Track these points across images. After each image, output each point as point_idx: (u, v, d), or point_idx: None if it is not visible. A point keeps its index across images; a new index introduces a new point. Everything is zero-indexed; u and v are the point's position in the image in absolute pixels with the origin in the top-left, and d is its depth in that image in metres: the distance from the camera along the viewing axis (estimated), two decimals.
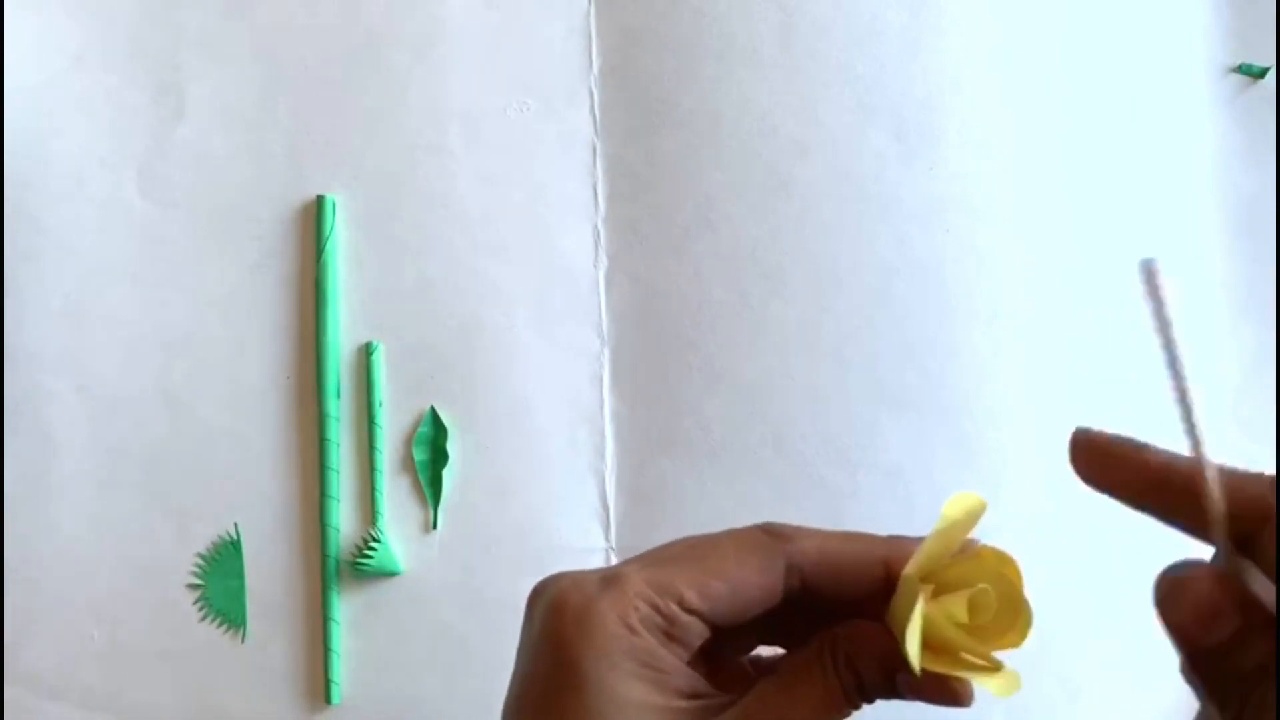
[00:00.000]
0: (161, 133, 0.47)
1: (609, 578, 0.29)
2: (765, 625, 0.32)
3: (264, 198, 0.47)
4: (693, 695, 0.28)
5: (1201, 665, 0.25)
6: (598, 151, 0.47)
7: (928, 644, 0.27)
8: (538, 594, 0.30)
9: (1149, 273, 0.27)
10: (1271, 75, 0.46)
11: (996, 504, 0.46)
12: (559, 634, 0.28)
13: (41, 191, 0.47)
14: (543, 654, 0.28)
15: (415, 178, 0.46)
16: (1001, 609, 0.28)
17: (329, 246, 0.46)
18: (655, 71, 0.46)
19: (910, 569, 0.28)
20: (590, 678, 0.27)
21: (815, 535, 0.30)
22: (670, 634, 0.28)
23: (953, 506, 0.28)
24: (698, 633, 0.29)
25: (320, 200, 0.46)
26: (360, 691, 0.45)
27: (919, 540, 0.29)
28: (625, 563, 0.30)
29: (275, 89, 0.47)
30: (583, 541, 0.45)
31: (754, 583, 0.29)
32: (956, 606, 0.28)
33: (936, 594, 0.28)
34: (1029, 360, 0.45)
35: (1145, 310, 0.27)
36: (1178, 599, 0.25)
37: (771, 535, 0.30)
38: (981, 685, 0.28)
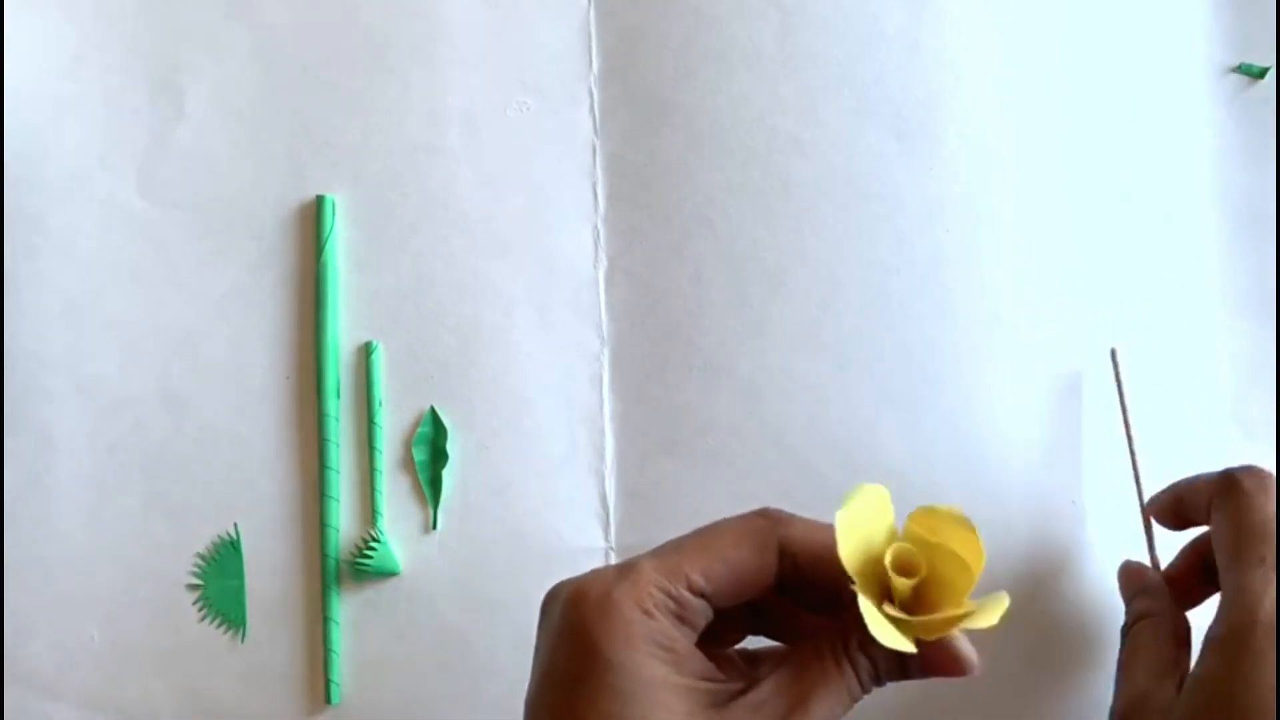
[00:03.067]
0: (161, 133, 0.47)
1: (624, 568, 0.31)
2: (755, 616, 0.34)
3: (264, 198, 0.47)
4: (705, 677, 0.30)
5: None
6: (598, 151, 0.47)
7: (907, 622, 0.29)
8: (554, 596, 0.32)
9: (1115, 359, 0.32)
10: (1271, 75, 0.46)
11: (996, 504, 0.47)
12: (580, 622, 0.30)
13: (41, 191, 0.47)
14: (565, 643, 0.30)
15: (415, 178, 0.46)
16: (939, 557, 0.29)
17: (329, 246, 0.46)
18: (655, 71, 0.46)
19: (848, 569, 0.29)
20: (614, 660, 0.29)
21: (807, 522, 0.32)
22: (680, 616, 0.30)
23: (843, 508, 0.30)
24: (703, 614, 0.31)
25: (320, 200, 0.46)
26: (360, 691, 0.45)
27: None
28: (638, 556, 0.32)
29: (275, 89, 0.47)
30: (583, 541, 0.45)
31: (751, 563, 0.31)
32: (894, 580, 0.29)
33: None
34: (1029, 360, 0.45)
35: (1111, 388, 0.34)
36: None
37: (767, 519, 0.32)
38: (973, 627, 0.29)
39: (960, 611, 0.29)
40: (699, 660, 0.30)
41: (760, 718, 0.29)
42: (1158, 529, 0.42)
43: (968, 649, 0.31)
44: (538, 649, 0.32)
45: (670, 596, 0.30)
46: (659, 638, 0.30)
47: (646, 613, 0.30)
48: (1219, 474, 0.37)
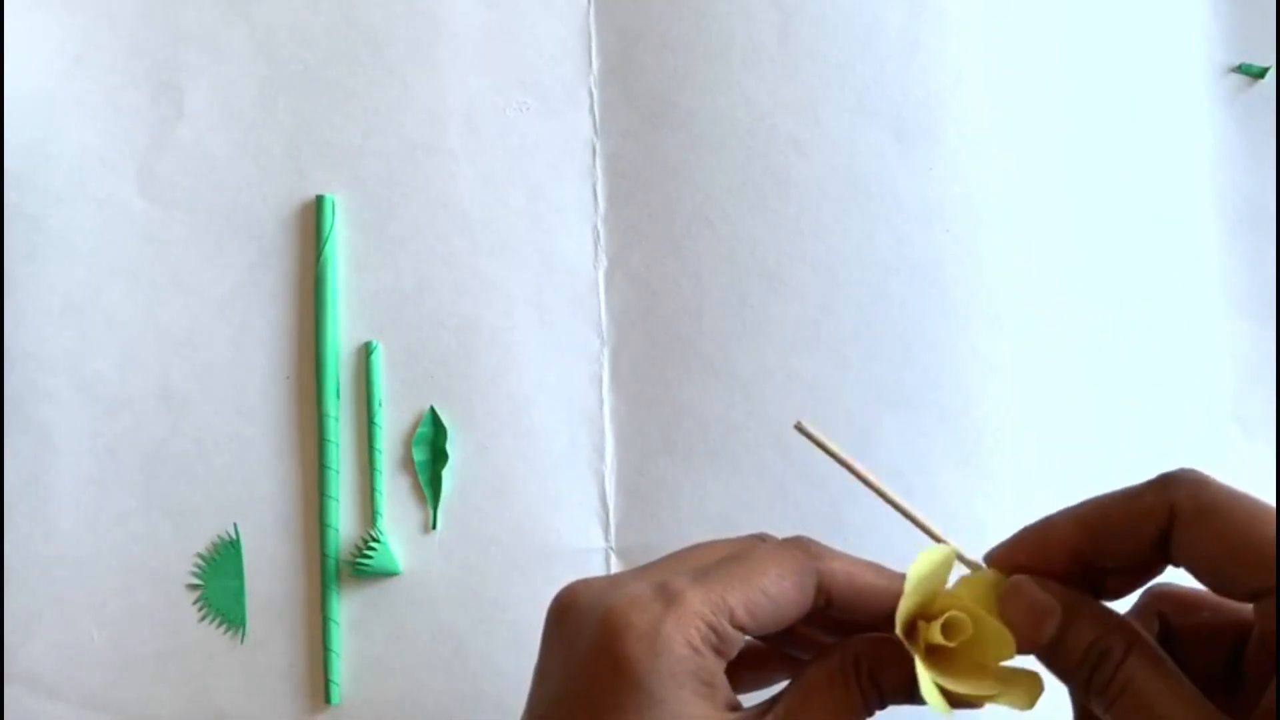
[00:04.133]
0: (161, 133, 0.47)
1: (670, 597, 0.30)
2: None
3: (264, 198, 0.47)
4: (732, 707, 0.30)
5: (1045, 656, 0.29)
6: (597, 151, 0.47)
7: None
8: (574, 608, 0.31)
9: (805, 432, 0.31)
10: (1271, 75, 0.46)
11: (996, 504, 0.47)
12: (624, 653, 0.29)
13: (41, 191, 0.47)
14: (599, 666, 0.29)
15: (415, 178, 0.46)
16: (986, 629, 0.29)
17: (329, 246, 0.46)
18: (655, 71, 0.46)
19: (898, 627, 0.29)
20: (657, 696, 0.28)
21: (844, 558, 0.31)
22: (719, 649, 0.30)
23: (918, 566, 0.29)
24: (737, 646, 0.30)
25: (320, 200, 0.46)
26: (360, 691, 0.45)
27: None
28: (671, 568, 0.31)
29: (275, 89, 0.47)
30: (582, 541, 0.45)
31: (793, 599, 0.30)
32: (935, 633, 0.29)
33: (932, 619, 0.30)
34: (1029, 360, 0.45)
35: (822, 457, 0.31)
36: (1015, 601, 0.29)
37: (808, 553, 0.31)
38: (1008, 705, 0.29)
39: (997, 692, 0.29)
40: (726, 690, 0.30)
41: None
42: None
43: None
44: (552, 654, 0.32)
45: (715, 631, 0.30)
46: (703, 674, 0.29)
47: (695, 649, 0.29)
48: (1158, 493, 0.28)
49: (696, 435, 0.45)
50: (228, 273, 0.46)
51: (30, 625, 0.46)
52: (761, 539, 0.32)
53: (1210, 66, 0.47)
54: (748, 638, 0.31)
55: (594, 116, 0.47)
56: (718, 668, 0.30)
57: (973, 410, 0.45)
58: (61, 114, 0.47)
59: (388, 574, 0.45)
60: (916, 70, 0.46)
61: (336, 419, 0.46)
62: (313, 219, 0.46)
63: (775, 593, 0.30)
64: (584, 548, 0.45)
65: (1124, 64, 0.46)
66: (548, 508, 0.45)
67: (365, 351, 0.46)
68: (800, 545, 0.31)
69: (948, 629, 0.29)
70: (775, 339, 0.45)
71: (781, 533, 0.35)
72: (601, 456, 0.46)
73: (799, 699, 0.30)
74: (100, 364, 0.46)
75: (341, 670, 0.45)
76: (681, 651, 0.29)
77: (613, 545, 0.45)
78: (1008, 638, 0.29)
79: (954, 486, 0.45)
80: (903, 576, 0.30)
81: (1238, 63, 0.47)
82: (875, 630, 0.31)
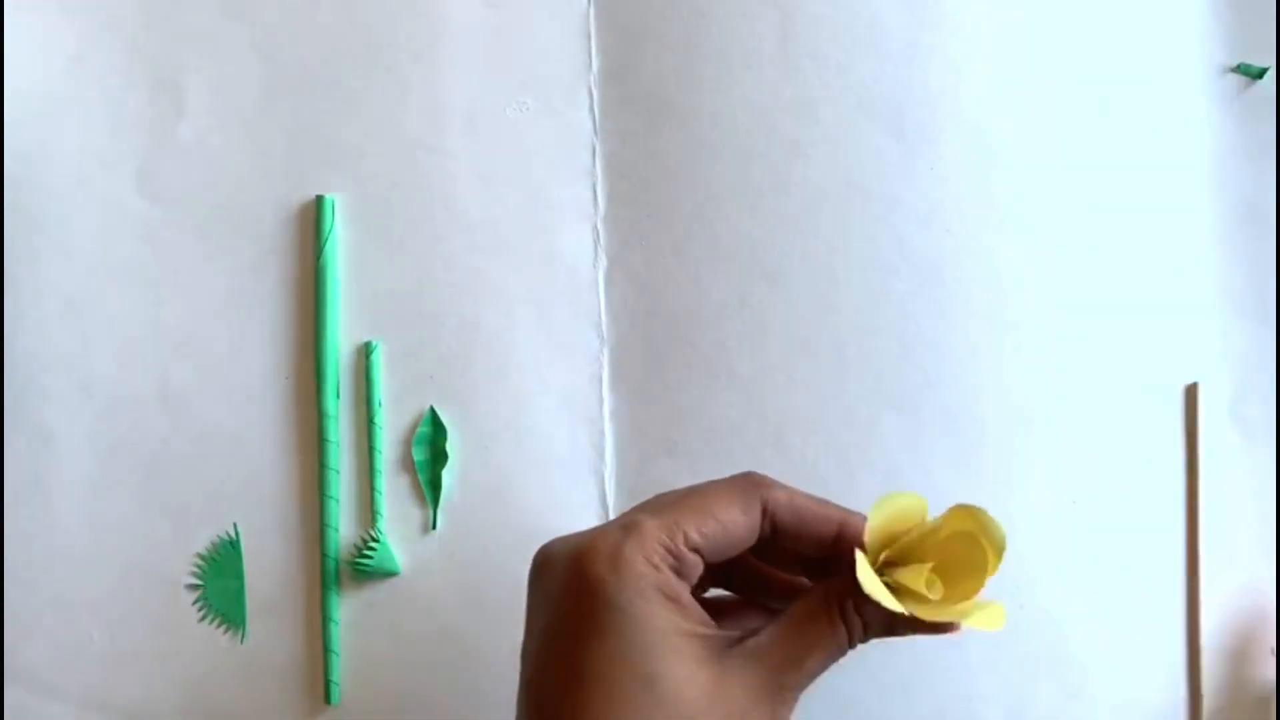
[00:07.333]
0: (161, 132, 0.47)
1: (627, 525, 0.33)
2: (722, 572, 0.37)
3: (264, 198, 0.47)
4: (704, 624, 0.32)
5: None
6: (597, 151, 0.47)
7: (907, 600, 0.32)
8: (548, 556, 0.34)
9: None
10: (1271, 75, 0.46)
11: (997, 504, 0.47)
12: (590, 576, 0.32)
13: (41, 191, 0.47)
14: (574, 596, 0.32)
15: (415, 178, 0.46)
16: (964, 563, 0.32)
17: (328, 246, 0.46)
18: (655, 71, 0.46)
19: (866, 542, 0.32)
20: (626, 610, 0.31)
21: (788, 488, 0.34)
22: (679, 570, 0.32)
23: (880, 505, 0.33)
24: (697, 569, 0.33)
25: (320, 200, 0.46)
26: (360, 691, 0.45)
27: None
28: (633, 510, 0.34)
29: (275, 89, 0.47)
30: None
31: (740, 522, 0.33)
32: (915, 579, 0.32)
33: (904, 562, 0.33)
34: (1029, 360, 0.45)
35: None
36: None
37: (752, 481, 0.34)
38: (976, 627, 0.31)
39: (969, 605, 0.31)
40: (699, 610, 0.33)
41: (760, 665, 0.32)
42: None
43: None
44: (535, 607, 0.34)
45: (671, 552, 0.32)
46: (665, 589, 0.32)
47: (654, 566, 0.32)
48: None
49: (696, 435, 0.45)
50: (228, 273, 0.46)
51: (30, 625, 0.46)
52: (748, 477, 0.35)
53: (1209, 66, 0.47)
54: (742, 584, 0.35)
55: (594, 116, 0.47)
56: (681, 587, 0.32)
57: (973, 410, 0.45)
58: (61, 114, 0.47)
59: (387, 574, 0.45)
60: (916, 70, 0.46)
61: (336, 419, 0.46)
62: (313, 219, 0.46)
63: (725, 518, 0.33)
64: None
65: (1123, 64, 0.46)
66: (548, 508, 0.45)
67: (365, 351, 0.46)
68: (747, 476, 0.35)
69: (916, 551, 0.32)
70: (775, 339, 0.45)
71: None
72: (601, 456, 0.46)
73: (784, 629, 0.32)
74: (100, 364, 0.46)
75: (341, 670, 0.45)
76: (641, 569, 0.31)
77: None
78: (982, 558, 0.32)
79: (954, 486, 0.45)
80: (835, 505, 0.34)
81: (1237, 63, 0.47)
82: (813, 565, 0.35)
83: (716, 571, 0.36)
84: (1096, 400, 0.45)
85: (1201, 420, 0.46)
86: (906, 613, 0.31)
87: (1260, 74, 0.46)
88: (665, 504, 0.34)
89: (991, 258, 0.46)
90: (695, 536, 0.32)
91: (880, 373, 0.45)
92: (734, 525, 0.33)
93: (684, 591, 0.32)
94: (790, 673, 0.32)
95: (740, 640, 0.32)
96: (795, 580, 0.38)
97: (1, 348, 0.46)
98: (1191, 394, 0.45)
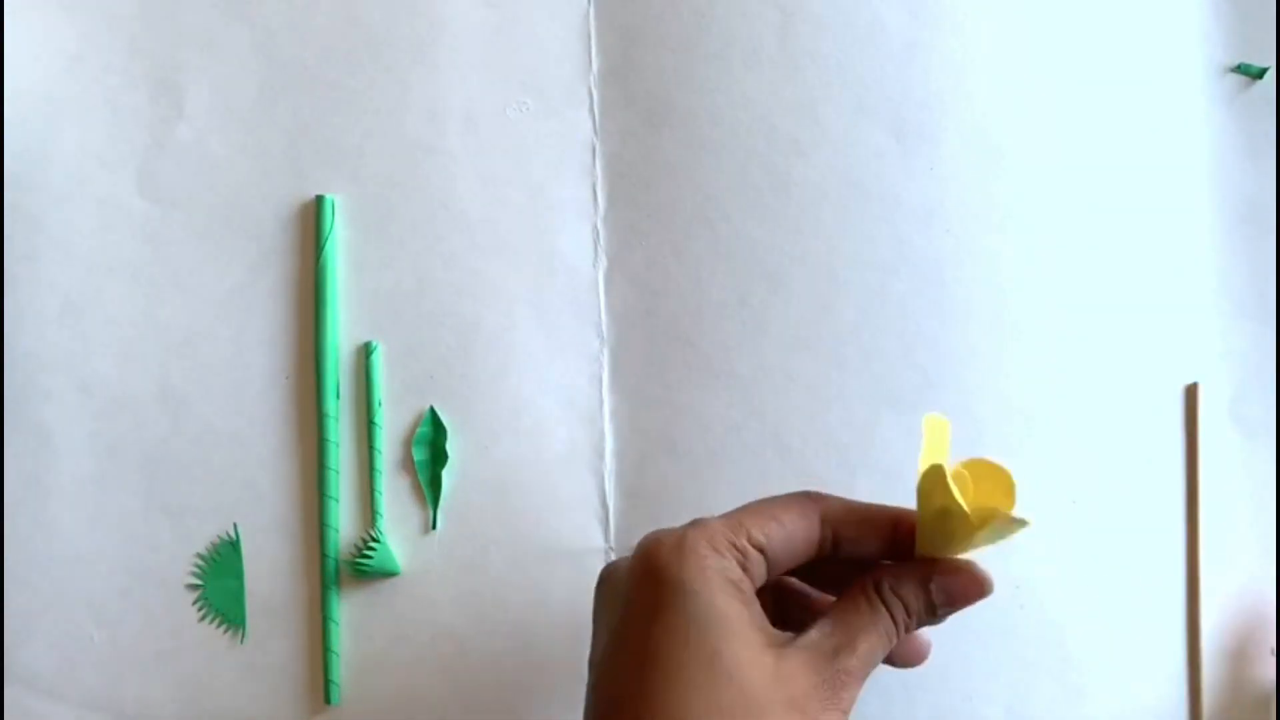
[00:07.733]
0: (161, 133, 0.47)
1: (692, 522, 0.34)
2: (782, 603, 0.38)
3: (264, 198, 0.47)
4: (765, 620, 0.33)
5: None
6: (597, 151, 0.47)
7: (941, 539, 0.33)
8: (612, 567, 0.35)
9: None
10: (1271, 75, 0.46)
11: None
12: (657, 562, 0.32)
13: (41, 191, 0.47)
14: (639, 586, 0.33)
15: (415, 178, 0.46)
16: (988, 486, 0.33)
17: (328, 246, 0.46)
18: (655, 71, 0.46)
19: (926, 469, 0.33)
20: (691, 589, 0.32)
21: (842, 498, 0.35)
22: (744, 566, 0.33)
23: (930, 426, 0.34)
24: (761, 569, 0.34)
25: (320, 200, 0.46)
26: (360, 691, 0.45)
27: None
28: (699, 518, 0.35)
29: (275, 89, 0.47)
30: (582, 541, 0.45)
31: (801, 528, 0.34)
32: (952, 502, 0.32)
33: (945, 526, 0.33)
34: (1029, 360, 0.45)
35: None
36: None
37: (809, 494, 0.35)
38: (1004, 535, 0.32)
39: (1008, 508, 0.32)
40: (759, 607, 0.33)
41: (814, 656, 0.32)
42: None
43: (984, 570, 0.34)
44: (601, 611, 0.35)
45: (735, 546, 0.33)
46: (729, 573, 0.32)
47: (718, 551, 0.33)
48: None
49: (696, 435, 0.45)
50: (227, 273, 0.46)
51: (30, 625, 0.46)
52: (806, 492, 0.36)
53: (1209, 66, 0.47)
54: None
55: (594, 116, 0.47)
56: (744, 578, 0.33)
57: (973, 410, 0.45)
58: (61, 114, 0.47)
59: (387, 574, 0.45)
60: (916, 70, 0.46)
61: (336, 419, 0.46)
62: (313, 219, 0.46)
63: (785, 519, 0.34)
64: (584, 548, 0.45)
65: (1123, 64, 0.46)
66: (548, 508, 0.45)
67: (365, 351, 0.46)
68: (804, 490, 0.36)
69: (960, 484, 0.33)
70: (775, 339, 0.45)
71: None
72: (601, 456, 0.46)
73: (833, 619, 0.33)
74: (100, 364, 0.46)
75: (341, 670, 0.45)
76: (706, 554, 0.32)
77: (612, 545, 0.45)
78: (1006, 486, 0.33)
79: None
80: (887, 506, 0.35)
81: (1237, 63, 0.47)
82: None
83: (774, 597, 0.37)
84: (1096, 400, 0.45)
85: (1201, 420, 0.46)
86: (966, 508, 0.31)
87: (1260, 74, 0.46)
88: (730, 511, 0.35)
89: (991, 257, 0.46)
90: (759, 535, 0.33)
91: (880, 373, 0.45)
92: (795, 528, 0.34)
93: (747, 584, 0.33)
94: (845, 657, 0.32)
95: (794, 637, 0.33)
96: None
97: (1, 348, 0.46)
98: (1191, 394, 0.45)
